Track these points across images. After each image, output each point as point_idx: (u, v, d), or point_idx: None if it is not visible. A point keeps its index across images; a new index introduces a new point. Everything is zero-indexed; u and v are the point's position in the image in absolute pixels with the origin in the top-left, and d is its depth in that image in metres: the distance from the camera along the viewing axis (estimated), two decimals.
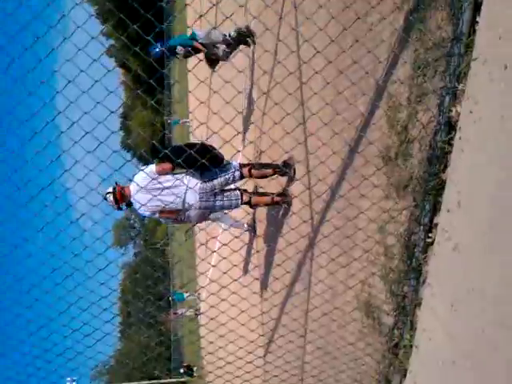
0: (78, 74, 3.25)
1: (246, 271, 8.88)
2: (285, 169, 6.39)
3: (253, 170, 6.35)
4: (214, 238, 5.22)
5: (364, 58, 4.01)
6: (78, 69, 3.20)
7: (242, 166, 6.33)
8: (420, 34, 3.51)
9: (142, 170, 5.97)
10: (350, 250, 4.40)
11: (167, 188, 5.81)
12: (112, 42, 51.13)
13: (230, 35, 8.59)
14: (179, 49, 8.48)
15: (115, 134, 3.71)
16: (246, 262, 9.19)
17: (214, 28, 8.61)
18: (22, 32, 3.21)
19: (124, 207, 6.21)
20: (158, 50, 8.45)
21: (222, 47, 8.68)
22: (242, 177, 6.28)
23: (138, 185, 5.70)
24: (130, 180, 5.80)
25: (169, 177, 5.94)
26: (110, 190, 5.99)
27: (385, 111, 4.00)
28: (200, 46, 8.61)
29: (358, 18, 3.76)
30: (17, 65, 3.28)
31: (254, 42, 9.06)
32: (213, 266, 5.46)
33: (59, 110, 3.45)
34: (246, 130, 9.71)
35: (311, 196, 5.60)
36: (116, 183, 6.02)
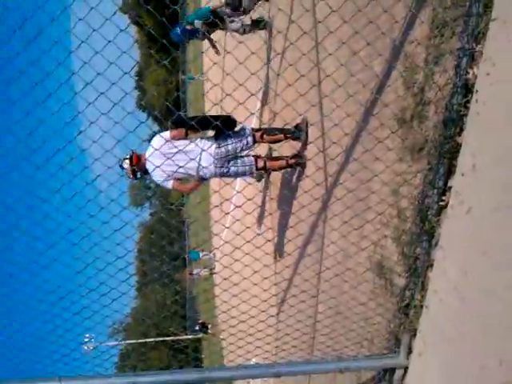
0: (91, 33, 3.23)
1: (259, 231, 8.97)
2: (297, 132, 6.37)
3: (265, 136, 6.38)
4: (227, 199, 5.24)
5: (380, 17, 3.93)
6: (91, 28, 3.19)
7: (254, 131, 6.36)
8: None
9: (159, 134, 6.08)
10: (362, 212, 4.41)
11: (182, 151, 5.84)
12: None
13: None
14: (197, 23, 8.34)
15: (130, 93, 3.71)
16: (259, 222, 9.25)
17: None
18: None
19: (139, 175, 6.27)
20: (178, 32, 8.35)
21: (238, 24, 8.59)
22: (254, 142, 6.31)
23: (153, 147, 5.78)
24: (146, 142, 5.86)
25: (184, 141, 5.99)
26: (127, 156, 6.05)
27: (400, 72, 3.94)
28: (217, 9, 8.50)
29: None
30: (29, 23, 3.26)
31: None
32: (226, 227, 5.52)
33: (73, 71, 3.45)
34: (263, 98, 9.62)
35: (325, 159, 5.59)
36: (132, 151, 6.08)
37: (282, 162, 6.58)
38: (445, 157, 3.37)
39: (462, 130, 3.24)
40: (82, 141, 3.83)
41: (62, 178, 3.83)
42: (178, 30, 8.44)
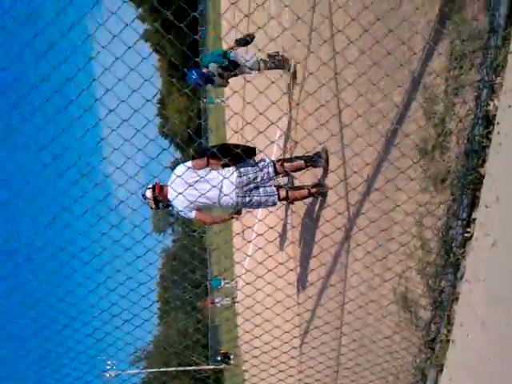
0: (114, 61, 3.29)
1: (281, 259, 8.91)
2: (316, 159, 6.38)
3: (285, 164, 6.39)
4: (249, 227, 5.21)
5: (398, 48, 3.94)
6: (113, 56, 3.25)
7: (275, 161, 6.38)
8: (456, 25, 3.42)
9: (182, 164, 6.15)
10: (386, 243, 4.36)
11: (204, 178, 5.89)
12: (147, 26, 51.61)
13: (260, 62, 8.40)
14: (212, 66, 8.27)
15: (153, 121, 3.76)
16: (281, 250, 9.21)
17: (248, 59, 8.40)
18: (58, 18, 3.25)
19: (161, 205, 6.32)
20: (194, 76, 8.30)
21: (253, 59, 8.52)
22: (276, 172, 6.31)
23: (175, 175, 5.85)
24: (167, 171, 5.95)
25: (206, 169, 6.04)
26: (150, 186, 6.15)
27: (421, 103, 3.93)
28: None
29: (392, 9, 3.69)
30: (53, 51, 3.33)
31: (289, 70, 8.74)
32: (248, 255, 5.49)
33: (96, 98, 3.52)
34: (287, 128, 9.60)
35: (346, 188, 5.57)
36: (156, 181, 6.18)
37: (304, 192, 6.55)
38: (468, 188, 3.34)
39: (484, 161, 3.20)
40: (105, 167, 3.88)
41: (86, 203, 3.88)
42: (195, 73, 8.28)
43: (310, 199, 7.21)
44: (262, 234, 4.33)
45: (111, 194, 3.91)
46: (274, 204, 6.37)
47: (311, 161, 6.46)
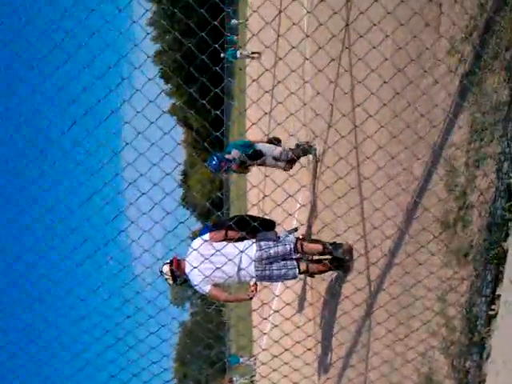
0: (137, 135, 3.35)
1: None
2: (336, 248, 6.18)
3: (304, 242, 6.23)
4: (266, 303, 5.04)
5: (418, 121, 3.94)
6: (138, 131, 3.31)
7: (297, 239, 6.21)
8: (476, 97, 3.42)
9: (199, 237, 6.05)
10: (407, 320, 4.19)
11: (221, 252, 5.76)
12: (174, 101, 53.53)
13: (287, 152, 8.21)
14: (235, 152, 8.07)
15: (174, 192, 3.79)
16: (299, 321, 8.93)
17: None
18: (84, 95, 3.35)
19: (179, 281, 6.17)
20: (215, 162, 7.98)
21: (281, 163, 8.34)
22: (296, 250, 6.12)
23: (192, 248, 5.77)
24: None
25: (224, 242, 5.89)
26: (167, 261, 6.07)
27: (441, 176, 3.88)
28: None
29: (411, 82, 3.72)
30: (79, 126, 3.40)
31: (316, 155, 8.65)
32: (264, 333, 5.31)
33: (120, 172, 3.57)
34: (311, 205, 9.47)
35: (367, 262, 5.44)
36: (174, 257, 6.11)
37: (326, 265, 6.32)
38: (491, 263, 3.22)
39: (507, 234, 3.10)
40: (123, 241, 3.86)
41: (101, 277, 3.83)
42: (215, 158, 8.03)
43: (330, 273, 7.05)
44: (278, 311, 4.20)
45: (126, 268, 3.88)
46: (295, 277, 6.18)
47: (330, 249, 6.24)
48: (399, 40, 4.61)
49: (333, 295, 6.98)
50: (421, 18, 4.25)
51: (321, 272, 6.54)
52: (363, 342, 5.67)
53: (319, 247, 6.25)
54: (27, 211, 3.77)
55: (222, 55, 22.65)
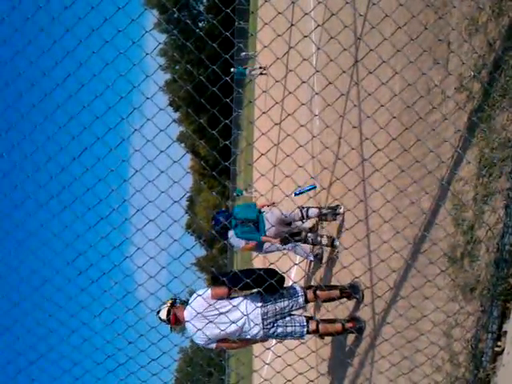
0: (146, 163, 3.41)
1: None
2: (354, 291, 5.86)
3: (318, 292, 5.77)
4: (267, 348, 4.86)
5: (426, 156, 3.98)
6: (146, 158, 3.37)
7: (305, 289, 5.82)
8: (484, 133, 3.47)
9: (199, 294, 5.36)
10: (412, 354, 4.16)
11: (223, 314, 5.30)
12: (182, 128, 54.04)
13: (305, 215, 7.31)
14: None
15: (180, 212, 3.83)
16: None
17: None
18: (95, 123, 3.41)
19: (175, 331, 5.70)
20: (220, 221, 7.65)
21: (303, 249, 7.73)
22: (306, 301, 5.72)
23: (193, 309, 5.28)
24: (187, 300, 5.59)
25: (225, 302, 5.47)
26: (165, 312, 5.57)
27: (449, 210, 3.90)
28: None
29: (420, 118, 3.77)
30: (88, 154, 3.45)
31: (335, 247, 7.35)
32: (267, 363, 5.24)
33: (127, 198, 3.61)
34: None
35: (372, 296, 5.42)
36: (174, 300, 5.66)
37: (339, 326, 5.68)
38: (498, 299, 3.21)
39: None
40: (128, 266, 3.88)
41: (104, 302, 3.84)
42: (221, 218, 7.69)
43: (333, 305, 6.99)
44: (280, 356, 4.13)
45: (130, 294, 3.89)
46: (302, 336, 5.65)
47: (347, 291, 5.89)
48: (408, 76, 4.69)
49: (344, 354, 6.88)
50: (430, 56, 4.34)
51: (331, 335, 5.97)
52: (366, 375, 5.60)
53: (336, 292, 5.84)
54: (34, 236, 3.80)
55: (231, 70, 23.14)
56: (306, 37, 3.43)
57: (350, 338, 6.03)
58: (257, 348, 14.42)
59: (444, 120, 4.01)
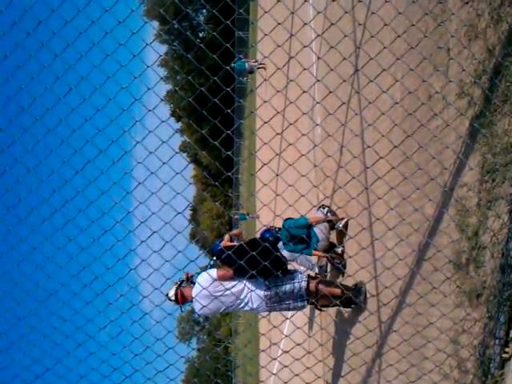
0: (149, 175, 3.42)
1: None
2: (356, 294, 5.96)
3: (320, 285, 5.95)
4: (275, 344, 4.95)
5: (429, 163, 3.98)
6: (149, 170, 3.38)
7: (310, 277, 6.03)
8: (486, 139, 3.47)
9: (206, 272, 5.87)
10: (419, 362, 4.13)
11: (231, 291, 5.69)
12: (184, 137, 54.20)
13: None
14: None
15: (183, 221, 3.84)
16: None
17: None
18: (98, 136, 3.42)
19: (184, 308, 6.16)
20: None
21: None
22: (307, 289, 5.93)
23: (200, 286, 5.61)
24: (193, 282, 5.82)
25: (232, 281, 5.80)
26: (173, 292, 5.98)
27: (453, 216, 3.89)
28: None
29: (422, 125, 3.77)
30: (92, 166, 3.47)
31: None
32: (273, 374, 5.24)
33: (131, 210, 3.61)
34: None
35: (378, 304, 5.40)
36: (181, 281, 6.04)
37: (337, 290, 5.96)
38: (505, 305, 3.19)
39: None
40: (132, 277, 3.88)
41: (110, 314, 3.83)
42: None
43: (339, 312, 6.97)
44: (287, 351, 4.15)
45: (135, 306, 3.88)
46: (304, 307, 6.10)
47: (349, 292, 5.99)
48: (409, 84, 4.70)
49: (343, 336, 6.91)
50: (430, 63, 4.35)
51: (331, 299, 5.99)
52: (373, 383, 5.58)
53: (337, 291, 5.99)
54: (39, 250, 3.81)
55: (232, 64, 23.45)
56: (306, 47, 3.44)
57: (357, 345, 5.98)
58: (263, 358, 14.36)
59: (445, 126, 4.01)
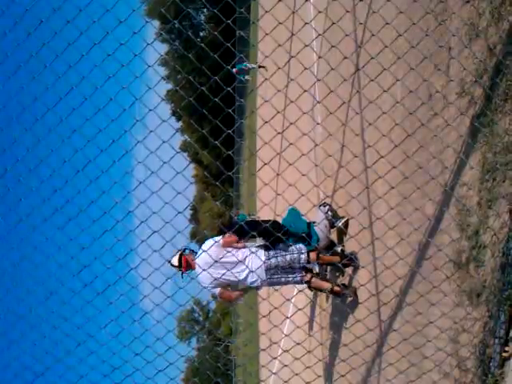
0: (149, 175, 3.41)
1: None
2: (353, 259, 6.20)
3: (321, 255, 6.25)
4: (275, 343, 4.97)
5: (429, 162, 3.98)
6: (150, 170, 3.38)
7: (310, 251, 6.25)
8: (487, 138, 3.47)
9: (212, 238, 6.14)
10: (419, 361, 4.13)
11: (233, 255, 5.88)
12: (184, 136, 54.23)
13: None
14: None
15: (184, 220, 3.85)
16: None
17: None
18: (99, 135, 3.42)
19: (185, 277, 6.23)
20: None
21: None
22: (308, 260, 6.17)
23: (203, 250, 5.82)
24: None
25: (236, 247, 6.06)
26: (176, 258, 6.12)
27: (453, 215, 3.89)
28: None
29: (422, 125, 3.77)
30: (93, 166, 3.47)
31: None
32: (274, 373, 5.25)
33: (131, 210, 3.62)
34: None
35: (378, 303, 5.40)
36: (184, 250, 6.20)
37: (328, 285, 6.31)
38: (505, 304, 3.20)
39: None
40: (132, 277, 3.89)
41: (110, 313, 3.84)
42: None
43: (339, 312, 6.98)
44: (287, 351, 4.16)
45: (135, 305, 3.89)
46: (301, 282, 6.30)
47: (346, 258, 6.26)
48: (409, 83, 4.70)
49: (343, 335, 6.91)
50: (430, 62, 4.35)
51: (324, 291, 6.54)
52: (373, 383, 5.58)
53: (337, 258, 6.30)
54: (39, 249, 3.81)
55: (233, 70, 23.79)
56: (307, 46, 3.44)
57: (357, 344, 5.98)
58: (263, 357, 14.36)
59: (446, 125, 4.01)
